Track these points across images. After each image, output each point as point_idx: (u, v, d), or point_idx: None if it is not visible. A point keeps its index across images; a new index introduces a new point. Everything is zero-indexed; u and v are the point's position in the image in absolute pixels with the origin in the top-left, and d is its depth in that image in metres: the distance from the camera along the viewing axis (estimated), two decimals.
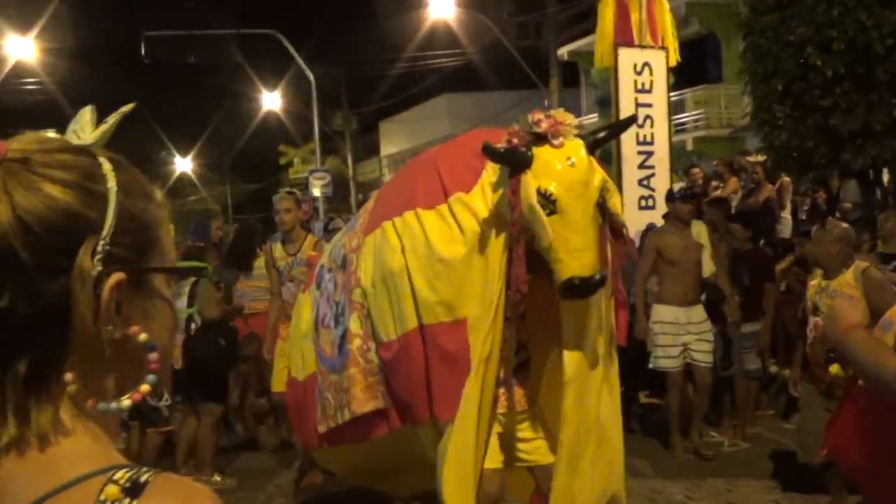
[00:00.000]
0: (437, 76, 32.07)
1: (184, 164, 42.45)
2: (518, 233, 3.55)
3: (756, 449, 7.16)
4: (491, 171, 3.70)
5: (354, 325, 4.03)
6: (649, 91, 10.13)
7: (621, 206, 3.78)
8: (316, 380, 4.48)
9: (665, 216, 8.39)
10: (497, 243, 3.64)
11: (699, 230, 7.30)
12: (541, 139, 3.55)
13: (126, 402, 1.02)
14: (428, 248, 3.68)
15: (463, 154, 3.90)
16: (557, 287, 3.53)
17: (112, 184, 1.02)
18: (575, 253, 3.45)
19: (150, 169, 39.87)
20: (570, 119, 3.61)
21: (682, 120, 22.12)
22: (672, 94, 10.38)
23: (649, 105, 10.16)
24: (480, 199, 3.69)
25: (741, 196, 11.61)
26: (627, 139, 10.24)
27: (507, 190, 3.57)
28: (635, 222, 9.82)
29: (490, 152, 3.57)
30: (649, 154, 10.21)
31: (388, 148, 44.53)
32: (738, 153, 14.24)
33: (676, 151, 13.25)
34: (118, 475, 0.95)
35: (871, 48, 9.52)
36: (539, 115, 3.60)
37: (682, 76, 13.94)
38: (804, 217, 11.44)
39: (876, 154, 9.72)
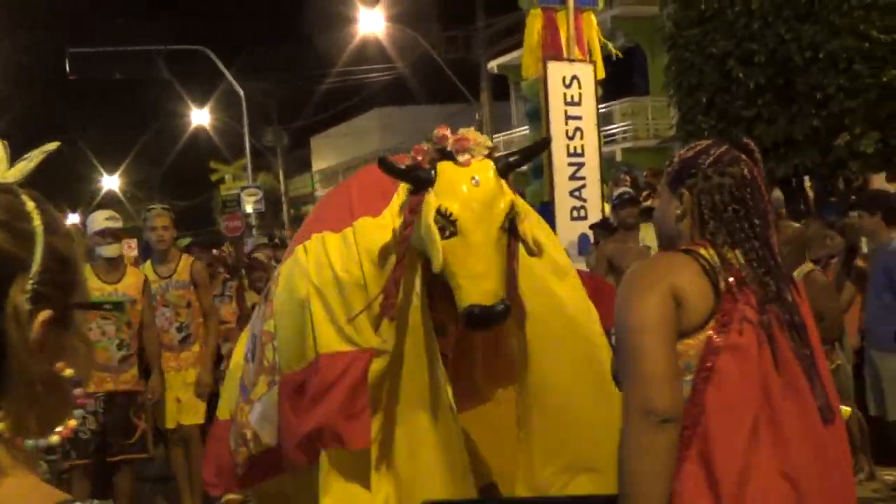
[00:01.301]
0: (368, 91, 32.11)
1: (111, 182, 41.71)
2: (403, 253, 3.33)
3: None
4: (402, 193, 3.49)
5: (269, 354, 3.79)
6: (578, 104, 10.26)
7: (533, 230, 3.48)
8: (233, 420, 4.18)
9: (592, 227, 8.48)
10: (408, 272, 3.41)
11: (649, 233, 7.16)
12: (447, 156, 3.32)
13: (54, 437, 1.02)
14: (331, 273, 3.46)
15: (379, 176, 3.61)
16: (459, 316, 3.26)
17: (38, 222, 1.02)
18: (475, 279, 3.20)
19: (76, 187, 39.16)
20: (482, 139, 3.38)
21: (610, 131, 22.47)
22: (600, 105, 10.56)
23: (579, 117, 10.29)
24: (389, 222, 3.47)
25: None
26: (558, 151, 10.36)
27: (405, 208, 3.37)
28: (568, 233, 9.92)
29: (388, 168, 3.35)
30: (580, 165, 10.34)
31: (319, 163, 44.32)
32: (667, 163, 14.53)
33: (606, 162, 13.45)
34: None
35: (791, 60, 9.79)
36: (444, 131, 3.36)
37: (609, 88, 14.15)
38: None
39: (798, 163, 9.99)
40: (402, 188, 3.49)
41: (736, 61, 10.10)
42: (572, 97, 10.18)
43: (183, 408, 6.28)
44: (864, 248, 6.87)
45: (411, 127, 33.59)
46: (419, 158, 3.34)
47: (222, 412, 4.44)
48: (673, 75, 11.36)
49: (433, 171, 3.29)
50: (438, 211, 3.21)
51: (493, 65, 25.16)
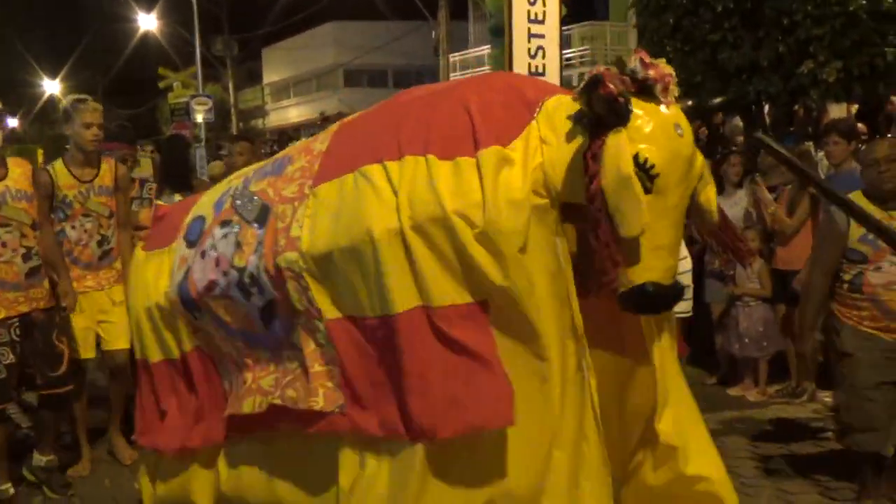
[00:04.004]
0: (324, 3, 31.37)
1: (52, 87, 40.52)
2: (599, 213, 2.57)
3: None
4: (544, 124, 2.77)
5: (294, 297, 3.02)
6: (542, 22, 10.12)
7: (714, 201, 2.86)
8: (198, 356, 3.54)
9: None
10: (544, 225, 2.70)
11: None
12: (643, 92, 2.62)
13: None
14: (440, 210, 2.68)
15: (505, 96, 2.88)
16: (620, 293, 2.64)
17: None
18: (659, 252, 2.59)
19: (15, 91, 37.96)
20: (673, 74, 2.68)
21: (568, 55, 22.34)
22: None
23: (542, 36, 10.13)
24: (520, 157, 2.72)
25: None
26: (519, 69, 10.29)
27: (587, 153, 2.61)
28: None
29: (592, 94, 2.57)
30: None
31: (270, 76, 43.54)
32: None
33: (564, 86, 13.37)
34: None
35: None
36: (644, 56, 2.65)
37: (568, 12, 14.05)
38: None
39: (761, 89, 10.01)
40: (543, 117, 2.79)
41: None
42: (536, 15, 10.03)
43: (111, 331, 5.40)
44: (822, 176, 6.90)
45: (366, 42, 33.09)
46: (610, 87, 2.56)
47: (156, 351, 3.71)
48: None
49: (630, 108, 2.60)
50: (636, 161, 2.55)
51: None
